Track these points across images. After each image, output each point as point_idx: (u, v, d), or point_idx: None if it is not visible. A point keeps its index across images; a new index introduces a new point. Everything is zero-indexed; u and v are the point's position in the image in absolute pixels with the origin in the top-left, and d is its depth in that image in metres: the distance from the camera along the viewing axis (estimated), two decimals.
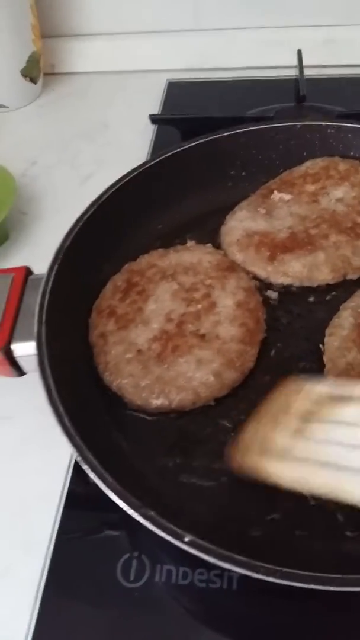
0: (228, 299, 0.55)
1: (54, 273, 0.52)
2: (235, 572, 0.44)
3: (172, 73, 0.96)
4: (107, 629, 0.45)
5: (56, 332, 0.49)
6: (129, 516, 0.45)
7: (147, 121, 0.86)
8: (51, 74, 0.99)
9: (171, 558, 0.47)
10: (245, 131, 0.65)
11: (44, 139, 0.90)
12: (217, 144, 0.64)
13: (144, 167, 0.62)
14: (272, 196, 0.63)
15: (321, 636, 0.43)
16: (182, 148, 0.63)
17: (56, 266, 0.52)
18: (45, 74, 0.98)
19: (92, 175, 0.82)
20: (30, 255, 0.67)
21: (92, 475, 0.41)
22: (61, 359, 0.48)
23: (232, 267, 0.58)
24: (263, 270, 0.58)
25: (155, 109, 0.91)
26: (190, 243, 0.60)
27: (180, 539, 0.37)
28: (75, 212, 0.76)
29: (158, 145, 0.83)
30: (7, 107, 0.94)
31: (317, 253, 0.58)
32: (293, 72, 0.87)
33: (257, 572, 0.35)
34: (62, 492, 0.52)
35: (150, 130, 0.86)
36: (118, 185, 0.60)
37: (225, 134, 0.64)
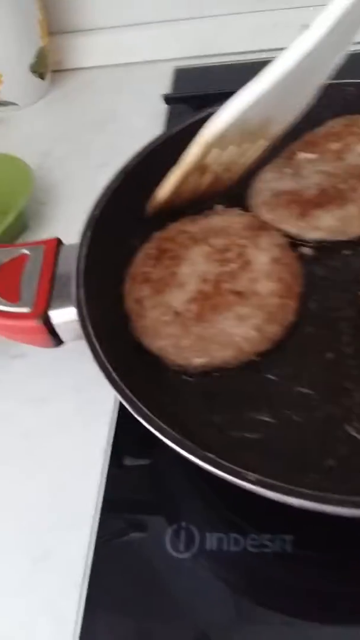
0: (262, 255, 0.54)
1: (87, 240, 0.52)
2: (286, 536, 0.44)
3: (177, 62, 0.96)
4: (159, 601, 0.44)
5: (94, 296, 0.48)
6: (176, 483, 0.44)
7: (157, 108, 0.86)
8: (58, 70, 1.00)
9: (221, 525, 0.46)
10: None
11: (56, 132, 0.90)
12: None
13: (168, 136, 0.62)
14: (296, 157, 0.62)
15: None
16: (202, 115, 0.62)
17: (89, 233, 0.52)
18: (53, 71, 0.98)
19: (106, 163, 0.80)
20: None
21: (148, 425, 0.40)
22: (101, 324, 0.47)
23: (264, 226, 0.57)
24: (295, 226, 0.57)
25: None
26: (218, 207, 0.60)
27: (245, 478, 0.36)
28: (92, 199, 0.75)
29: (171, 128, 0.82)
30: (17, 104, 0.94)
31: (348, 206, 0.57)
32: None
33: (328, 503, 0.33)
34: (102, 471, 0.51)
35: (161, 116, 0.86)
36: (142, 154, 0.60)
37: None
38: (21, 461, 0.54)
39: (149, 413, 0.40)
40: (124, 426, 0.53)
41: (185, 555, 0.45)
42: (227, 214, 0.59)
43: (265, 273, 0.53)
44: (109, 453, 0.52)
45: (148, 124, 0.85)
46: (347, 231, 0.57)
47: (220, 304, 0.51)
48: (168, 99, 0.78)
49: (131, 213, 0.58)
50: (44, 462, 0.53)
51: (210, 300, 0.52)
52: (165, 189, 0.55)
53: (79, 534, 0.48)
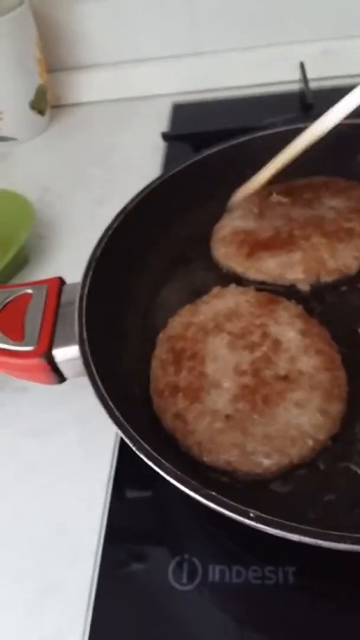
0: (288, 331, 0.51)
1: (89, 279, 0.53)
2: (289, 568, 0.44)
3: (175, 97, 0.99)
4: (162, 633, 0.44)
5: (96, 335, 0.49)
6: (178, 515, 0.44)
7: (156, 142, 0.88)
8: (58, 106, 1.02)
9: (223, 557, 0.46)
10: (260, 136, 0.67)
11: (56, 167, 0.92)
12: (235, 150, 0.66)
13: (166, 177, 0.63)
14: (270, 198, 0.65)
15: None
16: (199, 157, 0.65)
17: (90, 272, 0.53)
18: (52, 107, 1.00)
19: (105, 198, 0.84)
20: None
21: (149, 461, 0.40)
22: (102, 362, 0.48)
23: (273, 299, 0.55)
24: (241, 265, 0.60)
25: (163, 131, 0.92)
26: (215, 289, 0.57)
27: (246, 515, 0.36)
28: (93, 233, 0.77)
29: (169, 164, 0.84)
30: (17, 139, 0.96)
31: (293, 253, 0.58)
32: (294, 87, 0.90)
33: (326, 539, 0.34)
34: (104, 503, 0.52)
35: (159, 151, 0.88)
36: (142, 195, 0.61)
37: (243, 139, 0.66)
38: (24, 494, 0.54)
39: (150, 450, 0.40)
40: (126, 458, 0.54)
41: (188, 587, 0.45)
42: (228, 294, 0.56)
43: (300, 349, 0.50)
44: (110, 485, 0.53)
45: (147, 159, 0.87)
46: (285, 277, 0.58)
47: (271, 395, 0.47)
48: (166, 137, 0.80)
49: (132, 252, 0.59)
50: (47, 495, 0.54)
51: (258, 392, 0.48)
52: (260, 179, 0.58)
53: (82, 566, 0.48)
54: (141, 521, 0.51)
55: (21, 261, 0.75)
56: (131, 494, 0.53)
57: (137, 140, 0.92)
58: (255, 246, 0.59)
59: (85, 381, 0.47)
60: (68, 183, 0.88)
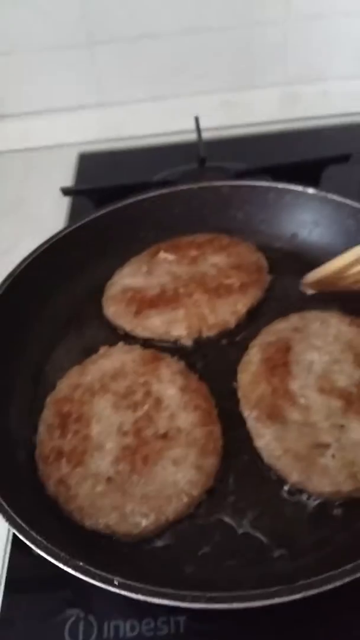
0: (169, 389, 0.54)
1: None
2: (180, 617, 0.46)
3: (81, 146, 1.01)
4: None
5: None
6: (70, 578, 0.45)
7: (61, 194, 0.90)
8: None
9: (117, 613, 0.48)
10: (148, 197, 0.70)
11: None
12: (125, 211, 0.69)
13: (53, 241, 0.65)
14: (158, 255, 0.68)
15: None
16: (91, 217, 0.68)
17: None
18: None
19: (9, 250, 0.84)
20: None
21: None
22: None
23: (156, 356, 0.57)
24: (129, 323, 0.62)
25: (69, 181, 0.95)
26: (102, 349, 0.59)
27: (110, 582, 0.39)
28: None
29: (73, 216, 0.87)
30: None
31: (177, 310, 0.61)
32: (192, 136, 0.94)
33: (184, 600, 0.37)
34: (3, 561, 0.52)
35: (65, 202, 0.90)
36: (32, 257, 0.63)
37: (130, 201, 0.69)
38: None
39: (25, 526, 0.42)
40: None
41: None
42: (114, 353, 0.58)
43: (180, 406, 0.52)
44: (10, 542, 0.52)
45: (52, 211, 0.89)
46: (170, 334, 0.61)
47: (150, 454, 0.49)
48: (66, 192, 0.82)
49: (26, 306, 0.61)
50: None
51: (138, 452, 0.49)
52: (327, 269, 0.58)
53: None
54: (39, 576, 0.51)
55: None
56: (27, 557, 0.53)
57: (43, 192, 0.94)
58: (142, 304, 0.62)
59: None
60: None
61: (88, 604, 0.48)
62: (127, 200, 0.69)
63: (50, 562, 0.41)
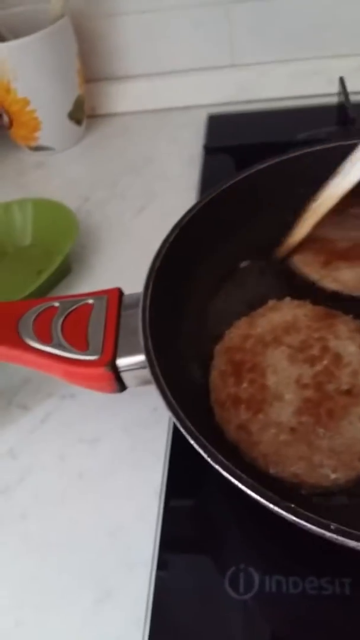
0: (349, 345, 0.52)
1: (149, 290, 0.53)
2: (345, 579, 0.45)
3: (211, 108, 1.00)
4: None
5: (159, 344, 0.49)
6: (230, 526, 0.44)
7: (192, 153, 0.89)
8: (92, 116, 1.03)
9: (278, 568, 0.47)
10: (310, 152, 0.67)
11: (93, 177, 0.93)
12: (285, 165, 0.66)
13: (220, 190, 0.63)
14: (347, 211, 0.64)
15: None
16: (253, 170, 0.65)
17: (151, 284, 0.53)
18: (87, 116, 1.02)
19: (144, 208, 0.85)
20: (94, 286, 0.69)
21: (223, 471, 0.40)
22: (167, 372, 0.47)
23: (330, 313, 0.55)
24: (317, 273, 0.59)
25: (198, 142, 0.94)
26: (271, 302, 0.57)
27: (327, 527, 0.37)
28: (132, 242, 0.78)
29: (207, 175, 0.85)
30: (54, 149, 0.97)
31: None
32: (330, 100, 0.91)
33: None
34: (158, 511, 0.52)
35: (196, 161, 0.89)
36: (197, 208, 0.61)
37: (289, 156, 0.67)
38: (77, 501, 0.55)
39: (223, 460, 0.40)
40: (177, 467, 0.54)
41: (245, 597, 0.46)
42: (285, 307, 0.56)
43: None
44: (163, 493, 0.53)
45: (184, 169, 0.88)
46: None
47: (335, 409, 0.47)
48: (208, 149, 0.80)
49: (189, 261, 0.60)
50: (99, 502, 0.54)
51: (322, 406, 0.48)
52: (300, 234, 0.57)
53: (138, 573, 0.49)
54: (194, 530, 0.51)
55: (64, 270, 0.75)
56: (183, 502, 0.53)
57: (173, 151, 0.94)
58: (332, 255, 0.59)
59: (131, 390, 0.50)
60: (106, 193, 0.89)
61: (248, 557, 0.48)
62: (285, 155, 0.66)
63: None
